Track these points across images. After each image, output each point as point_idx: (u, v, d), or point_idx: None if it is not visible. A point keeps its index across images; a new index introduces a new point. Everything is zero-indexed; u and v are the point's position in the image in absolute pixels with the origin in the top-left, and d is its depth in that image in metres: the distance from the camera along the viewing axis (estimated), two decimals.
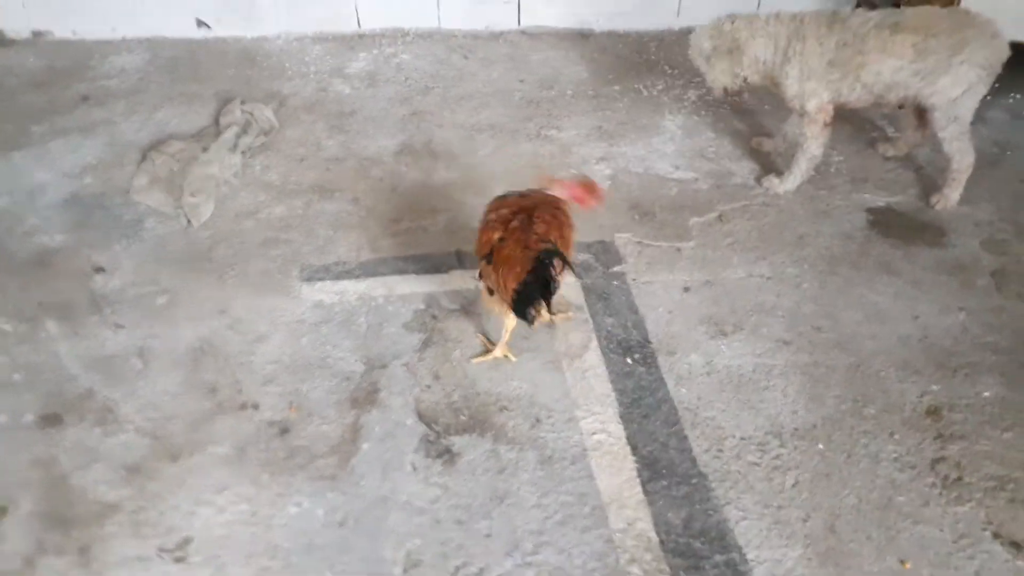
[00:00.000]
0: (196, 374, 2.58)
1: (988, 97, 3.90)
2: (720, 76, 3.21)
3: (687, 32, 3.46)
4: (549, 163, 3.51)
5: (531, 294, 2.29)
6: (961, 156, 3.19)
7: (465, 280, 2.94)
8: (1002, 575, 2.06)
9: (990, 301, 2.87)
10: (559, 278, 2.32)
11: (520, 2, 4.45)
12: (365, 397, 2.52)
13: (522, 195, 2.50)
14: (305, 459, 2.35)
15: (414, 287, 2.91)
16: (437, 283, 2.93)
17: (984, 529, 2.16)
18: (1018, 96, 4.01)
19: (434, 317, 2.80)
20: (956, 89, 3.03)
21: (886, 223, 3.22)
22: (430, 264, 3.01)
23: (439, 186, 3.40)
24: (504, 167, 3.50)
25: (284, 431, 2.43)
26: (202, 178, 3.33)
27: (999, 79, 3.17)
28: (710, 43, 3.21)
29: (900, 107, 3.29)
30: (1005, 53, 3.03)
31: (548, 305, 2.33)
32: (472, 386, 2.56)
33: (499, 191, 2.66)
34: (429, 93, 4.00)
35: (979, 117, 3.79)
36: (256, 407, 2.50)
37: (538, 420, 2.46)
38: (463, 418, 2.46)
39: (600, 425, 2.45)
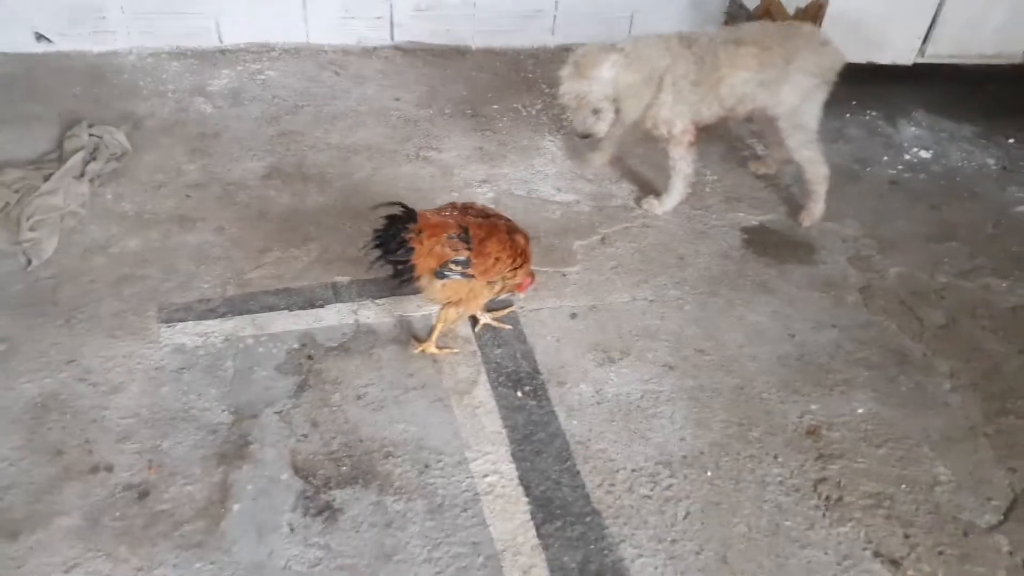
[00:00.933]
0: (38, 435, 2.30)
1: (848, 115, 4.12)
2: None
3: (563, 49, 3.43)
4: (430, 186, 3.40)
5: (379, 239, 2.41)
6: (812, 166, 3.30)
7: (343, 315, 2.78)
8: None
9: (859, 317, 2.98)
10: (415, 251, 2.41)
11: (393, 17, 4.31)
12: (234, 451, 2.32)
13: (509, 221, 2.59)
14: (168, 526, 2.13)
15: (287, 325, 2.72)
16: (312, 319, 2.76)
17: (865, 548, 2.22)
18: (874, 113, 4.23)
19: (310, 357, 2.62)
20: (794, 97, 3.13)
21: (760, 242, 3.30)
22: (304, 298, 2.83)
23: (312, 212, 3.22)
24: (382, 190, 3.35)
25: (143, 495, 2.20)
26: (44, 210, 3.00)
27: (856, 97, 3.31)
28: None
29: (748, 120, 3.38)
30: (837, 60, 3.15)
31: (394, 268, 2.43)
32: (354, 432, 2.41)
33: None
34: (299, 112, 3.80)
35: (839, 134, 3.99)
36: (110, 469, 2.25)
37: (426, 465, 2.34)
38: (344, 469, 2.31)
39: (491, 466, 2.35)
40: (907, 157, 3.93)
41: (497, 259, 2.49)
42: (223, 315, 2.74)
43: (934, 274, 3.21)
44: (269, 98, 3.87)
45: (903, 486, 2.39)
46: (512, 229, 2.54)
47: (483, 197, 3.37)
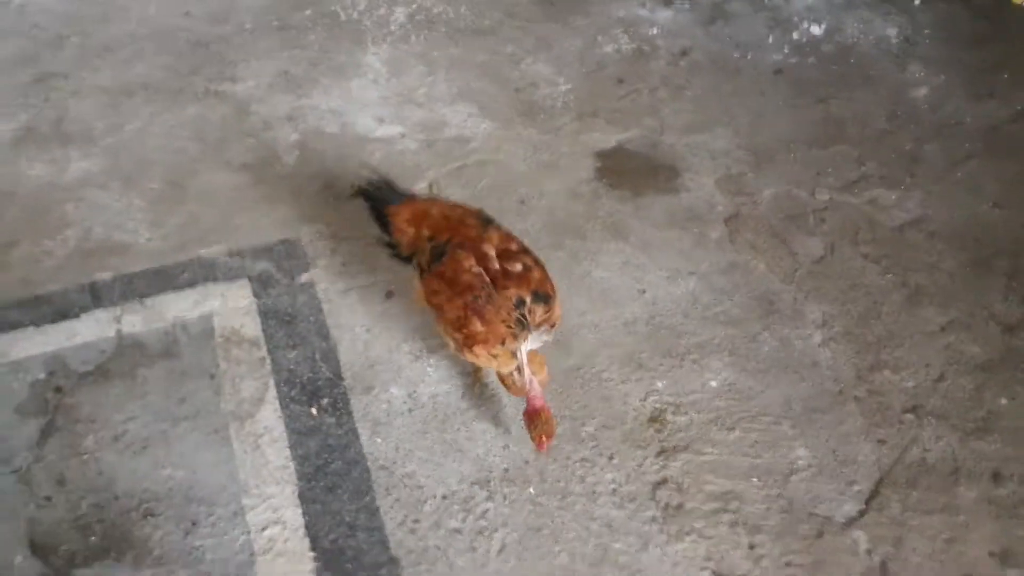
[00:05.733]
0: None
1: None
2: None
3: None
4: (220, 135, 2.82)
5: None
6: None
7: (103, 326, 2.30)
8: None
9: (722, 257, 2.58)
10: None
11: None
12: None
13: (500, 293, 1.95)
14: None
15: (31, 347, 2.25)
16: (64, 335, 2.28)
17: (703, 569, 1.94)
18: None
19: (58, 390, 2.17)
20: None
21: (616, 169, 2.82)
22: (55, 308, 2.34)
23: (72, 184, 2.65)
24: (161, 145, 2.77)
25: None
26: None
27: None
28: None
29: None
30: None
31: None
32: (109, 487, 2.02)
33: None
34: (63, 45, 3.10)
35: (718, 11, 3.46)
36: None
37: (194, 523, 1.97)
38: (94, 539, 1.93)
39: (273, 514, 1.99)
40: (796, 36, 3.39)
41: (435, 291, 2.01)
42: None
43: (815, 191, 2.79)
44: (26, 30, 3.14)
45: (755, 479, 2.09)
46: (478, 310, 1.92)
47: (286, 141, 2.81)
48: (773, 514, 2.03)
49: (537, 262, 2.00)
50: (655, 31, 3.34)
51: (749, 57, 3.29)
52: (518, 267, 1.95)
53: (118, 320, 2.32)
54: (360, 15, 3.30)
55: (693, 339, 2.38)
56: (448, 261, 1.97)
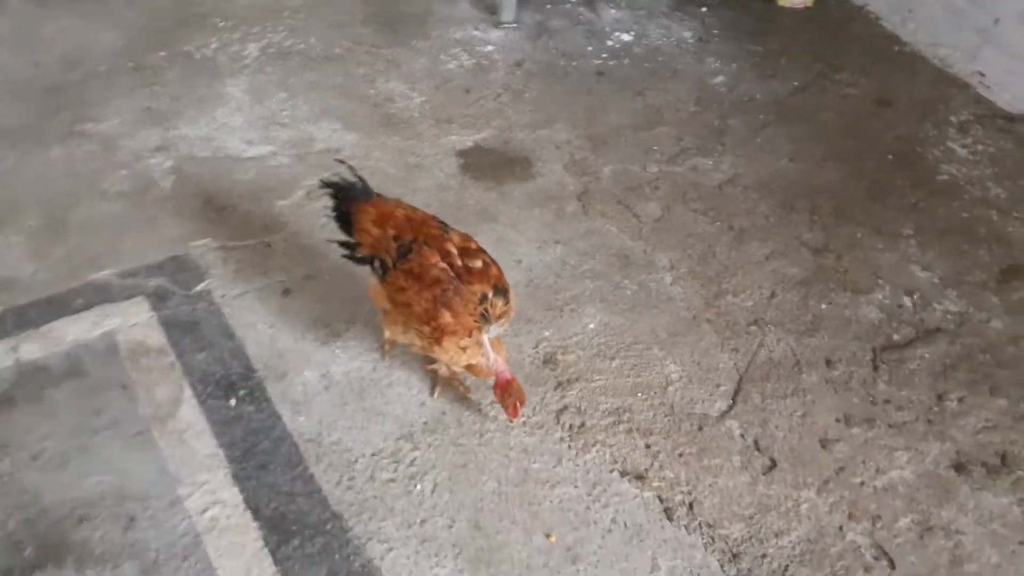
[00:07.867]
0: None
1: (548, 6, 3.99)
2: None
3: None
4: (92, 169, 2.87)
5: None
6: None
7: (5, 355, 2.30)
8: (634, 513, 2.14)
9: (580, 226, 2.93)
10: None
11: None
12: None
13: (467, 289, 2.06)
14: None
15: None
16: None
17: (612, 470, 2.22)
18: (578, 6, 4.12)
19: None
20: None
21: (477, 164, 3.13)
22: None
23: None
24: (31, 185, 2.79)
25: None
26: None
27: None
28: None
29: None
30: None
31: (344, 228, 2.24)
32: (35, 503, 2.03)
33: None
34: None
35: (542, 28, 3.86)
36: None
37: (132, 519, 2.02)
38: (28, 552, 1.94)
39: (211, 497, 2.08)
40: (610, 43, 3.89)
41: (402, 287, 2.08)
42: None
43: (646, 165, 3.22)
44: None
45: (639, 394, 2.42)
46: (447, 302, 2.02)
47: (160, 168, 2.91)
48: (659, 418, 2.36)
49: (494, 260, 2.12)
50: (490, 48, 3.72)
51: (574, 64, 3.73)
52: (479, 264, 2.07)
53: (15, 349, 2.32)
54: (214, 52, 3.45)
55: (568, 293, 2.69)
56: (415, 257, 2.05)
